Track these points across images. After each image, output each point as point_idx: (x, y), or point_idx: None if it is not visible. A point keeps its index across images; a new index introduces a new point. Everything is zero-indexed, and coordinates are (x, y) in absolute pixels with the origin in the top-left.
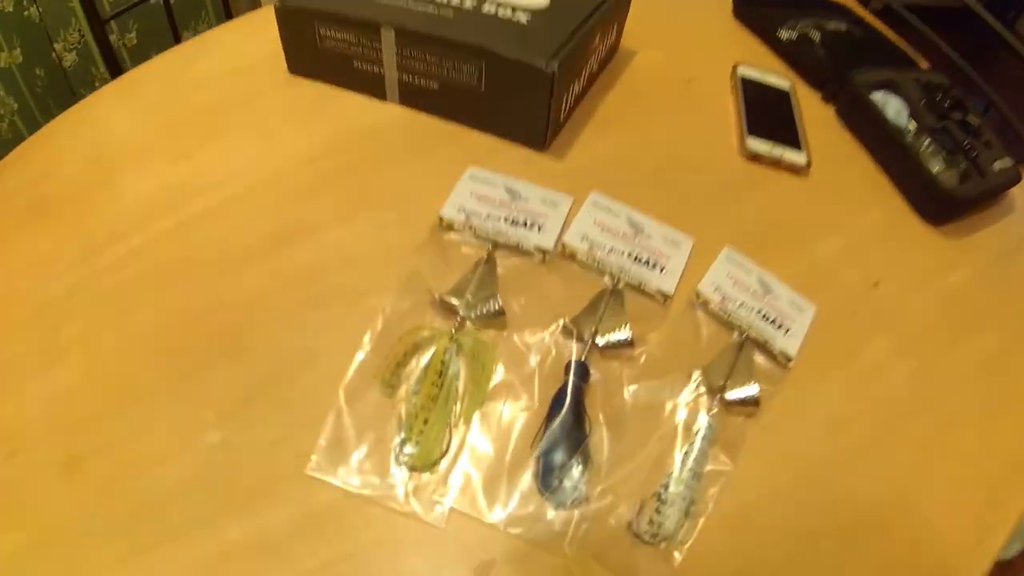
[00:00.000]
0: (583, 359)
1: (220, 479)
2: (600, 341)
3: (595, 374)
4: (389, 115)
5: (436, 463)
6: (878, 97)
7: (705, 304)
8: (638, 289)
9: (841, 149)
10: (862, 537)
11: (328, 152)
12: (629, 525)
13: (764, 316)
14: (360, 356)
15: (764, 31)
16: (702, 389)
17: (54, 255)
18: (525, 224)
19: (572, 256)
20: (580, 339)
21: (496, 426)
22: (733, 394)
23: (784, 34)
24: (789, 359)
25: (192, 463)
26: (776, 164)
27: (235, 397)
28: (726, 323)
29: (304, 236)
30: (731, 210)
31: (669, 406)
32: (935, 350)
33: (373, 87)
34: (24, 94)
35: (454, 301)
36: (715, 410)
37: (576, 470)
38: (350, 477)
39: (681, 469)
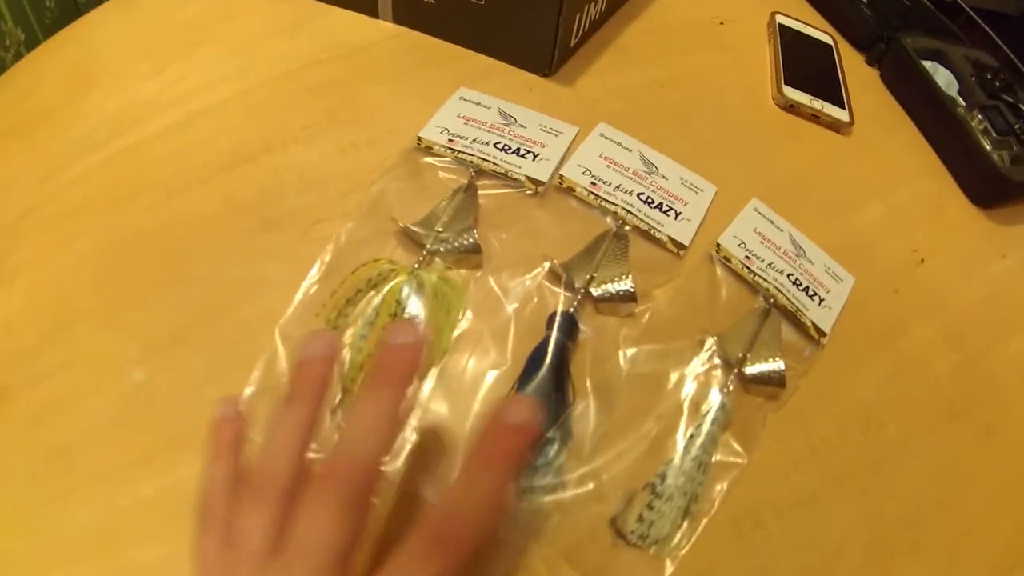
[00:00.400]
0: (572, 311)
1: (140, 423)
2: (595, 291)
3: (585, 331)
4: (381, 33)
5: None
6: (927, 66)
7: (726, 260)
8: (647, 235)
9: (885, 114)
10: (892, 552)
11: (306, 68)
12: (613, 521)
13: (795, 281)
14: (304, 290)
15: None
16: (716, 361)
17: (16, 179)
18: (518, 152)
19: (570, 191)
20: (570, 287)
21: (457, 385)
22: (754, 369)
23: None
24: (823, 334)
25: (114, 403)
26: (815, 118)
27: (165, 331)
28: (750, 285)
29: (265, 154)
30: (761, 160)
31: (674, 378)
32: (982, 343)
33: (365, 2)
34: (32, 25)
35: (421, 232)
36: (730, 388)
37: (552, 447)
38: None
39: (683, 457)
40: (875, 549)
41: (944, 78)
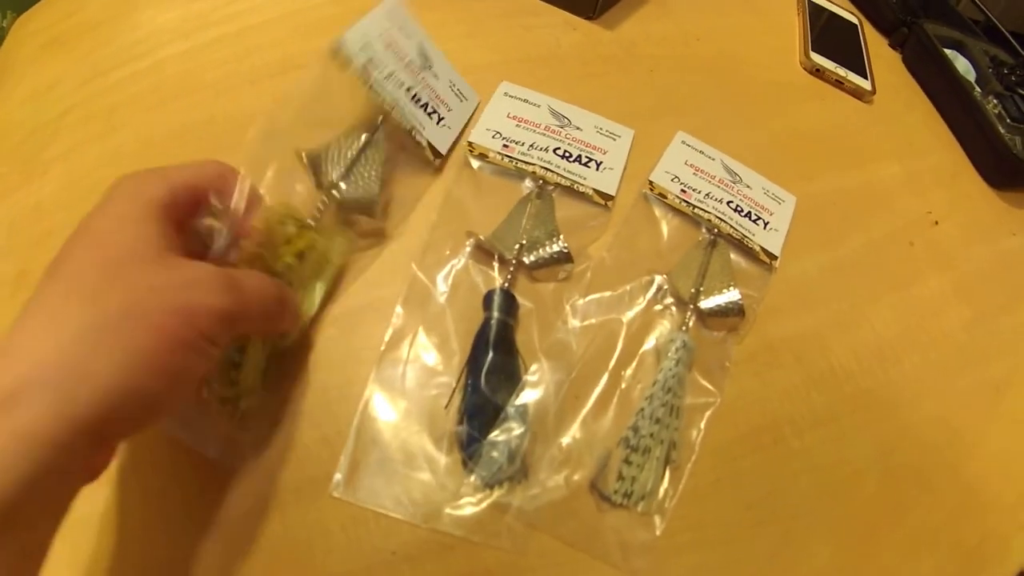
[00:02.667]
0: (506, 286)
1: None
2: (527, 259)
3: (525, 304)
4: None
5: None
6: (948, 53)
7: (661, 197)
8: (572, 191)
9: (905, 93)
10: (905, 489)
11: None
12: (592, 485)
13: (736, 208)
14: None
15: None
16: (669, 300)
17: (56, 83)
18: (427, 108)
19: (483, 157)
20: (501, 260)
21: (401, 384)
22: (709, 303)
23: None
24: (773, 256)
25: None
26: (838, 84)
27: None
28: (691, 219)
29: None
30: (786, 112)
31: (628, 321)
32: (995, 306)
33: None
34: None
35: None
36: (689, 325)
37: (514, 435)
38: None
39: (652, 404)
40: (889, 480)
41: (962, 65)
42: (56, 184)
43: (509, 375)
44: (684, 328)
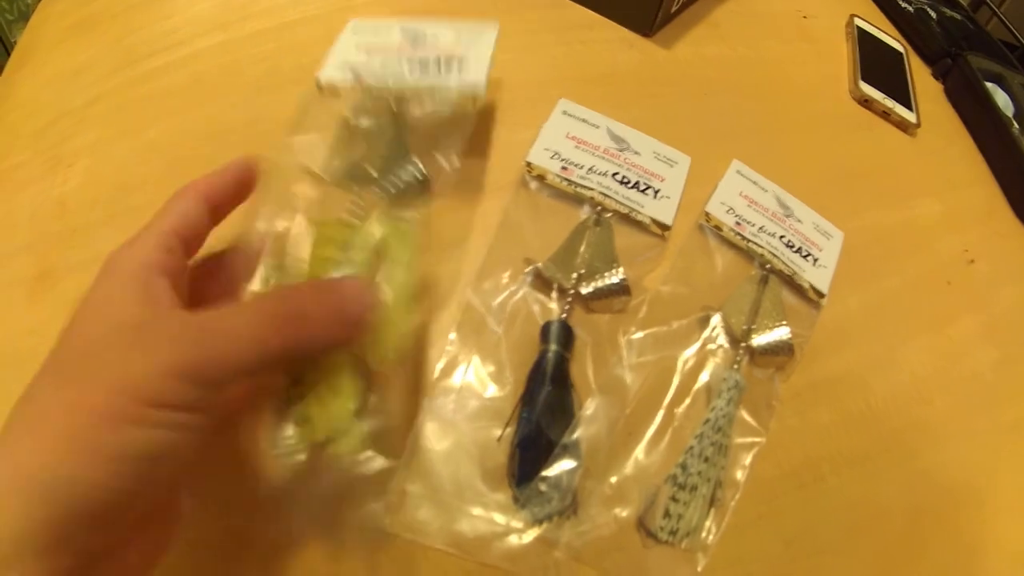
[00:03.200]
0: (564, 318)
1: None
2: (585, 289)
3: (581, 336)
4: None
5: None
6: (989, 87)
7: (717, 229)
8: (628, 219)
9: (947, 125)
10: (925, 530)
11: None
12: (639, 522)
13: (788, 243)
14: None
15: None
16: (722, 338)
17: (85, 68)
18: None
19: (541, 178)
20: (560, 289)
21: (451, 416)
22: (761, 340)
23: (904, 3)
24: (821, 295)
25: None
26: (885, 115)
27: (235, 220)
28: (744, 252)
29: None
30: (833, 142)
31: (682, 360)
32: (1020, 347)
33: None
34: None
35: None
36: (741, 363)
37: (567, 470)
38: None
39: (701, 442)
40: (912, 520)
41: (1002, 100)
42: (82, 178)
43: (564, 409)
44: (736, 367)
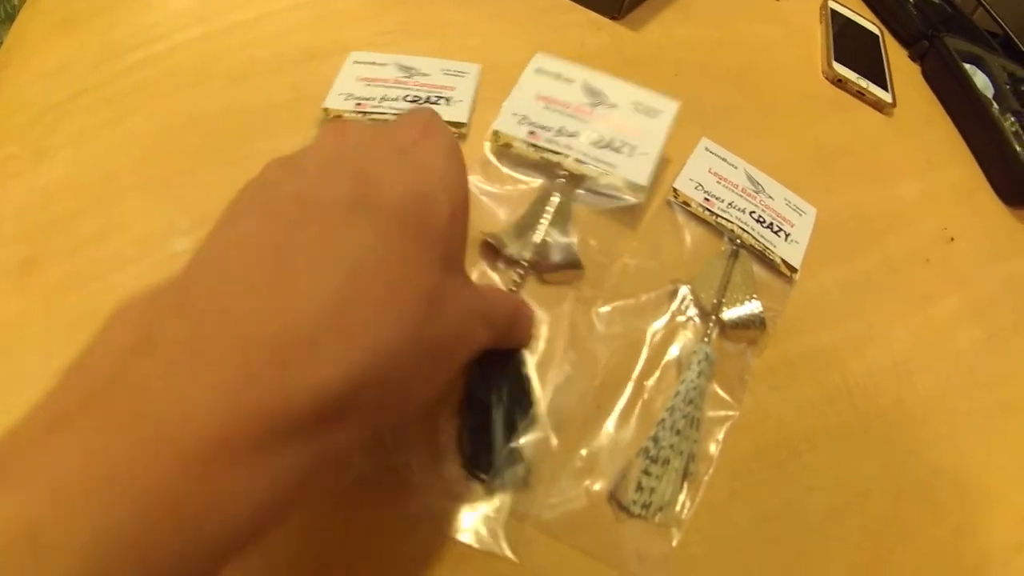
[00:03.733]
0: (513, 290)
1: None
2: (535, 256)
3: (542, 313)
4: None
5: None
6: (967, 68)
7: (685, 205)
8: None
9: (924, 107)
10: (911, 509)
11: None
12: (611, 495)
13: (758, 219)
14: None
15: None
16: (692, 311)
17: (69, 63)
18: (427, 100)
19: (507, 146)
20: (511, 261)
21: None
22: (731, 314)
23: None
24: (794, 269)
25: (152, 271)
26: (859, 95)
27: (215, 205)
28: (713, 227)
29: (338, 55)
30: (807, 123)
31: (651, 332)
32: (1005, 327)
33: None
34: None
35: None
36: (711, 336)
37: (522, 436)
38: None
39: (673, 415)
40: (897, 500)
41: (981, 81)
42: (65, 168)
43: (519, 378)
44: (706, 340)
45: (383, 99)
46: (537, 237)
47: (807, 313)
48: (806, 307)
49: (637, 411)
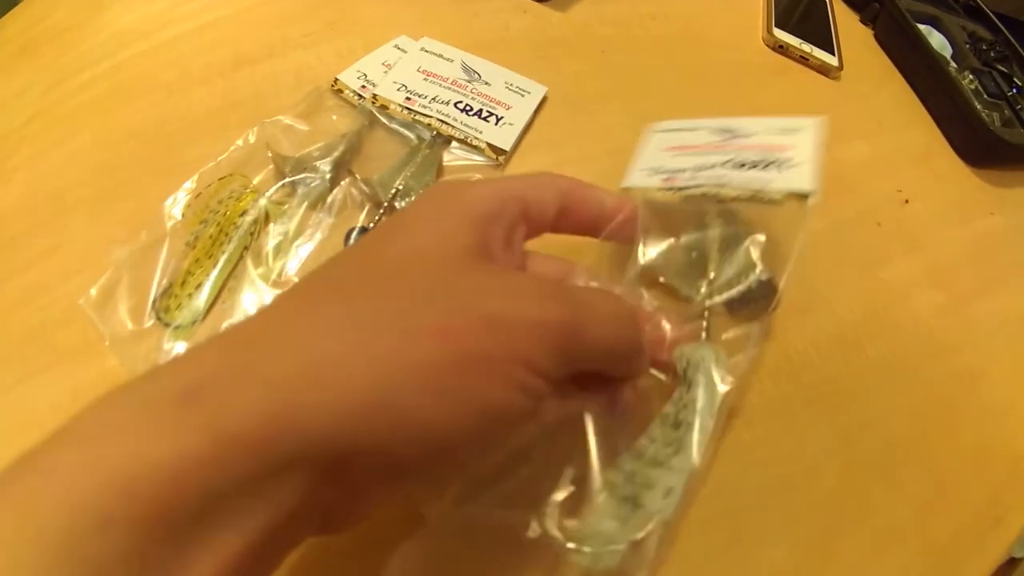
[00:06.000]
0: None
1: None
2: (398, 203)
3: None
4: None
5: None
6: (922, 29)
7: (383, 108)
8: (464, 143)
9: (877, 70)
10: (868, 482)
11: None
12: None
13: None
14: None
15: None
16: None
17: (24, 90)
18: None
19: (384, 108)
20: (377, 203)
21: None
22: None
23: None
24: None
25: (91, 281)
26: (803, 60)
27: (152, 215)
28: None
29: (266, 59)
30: (746, 92)
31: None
32: (968, 290)
33: None
34: None
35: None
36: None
37: None
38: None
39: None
40: (850, 475)
41: (937, 41)
42: (19, 191)
43: None
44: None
45: None
46: (402, 184)
47: None
48: None
49: None
